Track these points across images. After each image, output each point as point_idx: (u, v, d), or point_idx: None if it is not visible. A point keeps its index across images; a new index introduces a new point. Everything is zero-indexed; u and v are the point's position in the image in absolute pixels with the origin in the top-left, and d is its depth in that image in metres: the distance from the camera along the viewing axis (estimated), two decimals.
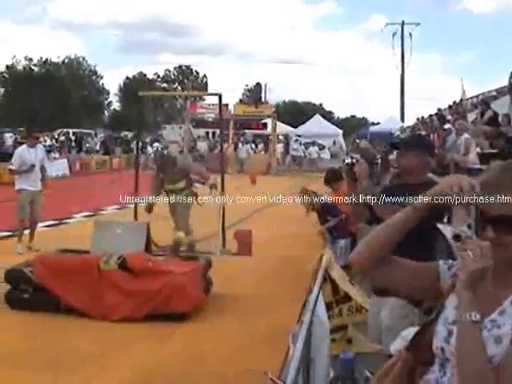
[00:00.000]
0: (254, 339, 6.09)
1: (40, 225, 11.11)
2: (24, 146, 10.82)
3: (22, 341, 5.97)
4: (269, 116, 36.02)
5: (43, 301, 6.72)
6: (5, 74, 58.90)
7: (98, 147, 38.61)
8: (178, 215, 9.40)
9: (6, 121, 47.46)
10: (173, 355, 5.68)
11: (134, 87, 54.63)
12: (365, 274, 2.17)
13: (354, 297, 5.32)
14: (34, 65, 59.38)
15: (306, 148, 37.85)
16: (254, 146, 37.74)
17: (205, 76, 68.84)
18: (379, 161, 7.55)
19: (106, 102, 64.89)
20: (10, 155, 12.03)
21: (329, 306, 4.93)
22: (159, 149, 13.75)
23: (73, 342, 5.92)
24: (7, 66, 58.58)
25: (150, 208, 9.35)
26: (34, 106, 51.06)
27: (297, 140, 38.42)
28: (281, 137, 39.16)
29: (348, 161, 6.37)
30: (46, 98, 52.38)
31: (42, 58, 59.78)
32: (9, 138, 30.05)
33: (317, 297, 3.83)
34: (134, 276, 6.72)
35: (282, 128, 40.47)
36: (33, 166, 10.31)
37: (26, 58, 59.01)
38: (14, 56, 59.87)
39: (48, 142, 32.74)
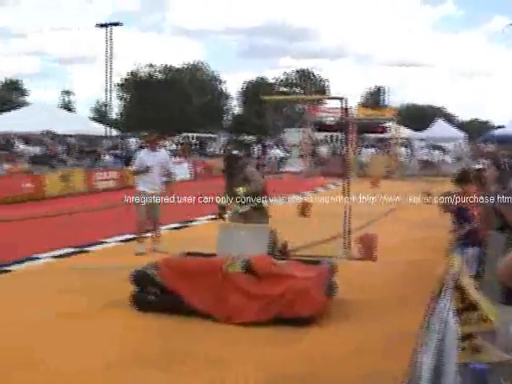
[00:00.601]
0: (379, 343, 6.04)
1: (166, 227, 11.54)
2: (145, 149, 11.23)
3: (149, 341, 6.13)
4: (390, 119, 35.54)
5: (169, 303, 6.84)
6: (129, 81, 61.00)
7: (219, 151, 39.48)
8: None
9: (130, 126, 49.40)
10: (297, 358, 5.66)
11: (254, 91, 55.45)
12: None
13: (481, 306, 5.22)
14: (156, 71, 61.23)
15: (430, 152, 37.15)
16: (375, 149, 37.40)
17: (324, 80, 68.72)
18: (506, 165, 7.31)
19: (227, 107, 66.04)
20: None
21: (457, 313, 4.87)
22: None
23: (197, 344, 6.02)
24: (131, 73, 60.73)
25: (222, 211, 8.97)
26: (156, 112, 52.67)
27: (421, 143, 37.71)
28: (402, 140, 38.54)
29: (476, 166, 6.24)
30: (168, 103, 53.88)
31: (163, 64, 61.62)
32: (133, 142, 31.19)
33: (447, 303, 3.80)
34: (258, 279, 6.76)
35: (403, 131, 39.81)
36: (149, 168, 10.56)
37: (148, 64, 60.99)
38: (137, 63, 62.11)
39: (171, 147, 33.84)
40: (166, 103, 53.15)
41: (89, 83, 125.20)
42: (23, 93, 75.67)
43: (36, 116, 33.12)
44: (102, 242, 11.50)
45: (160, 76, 60.60)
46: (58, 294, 7.80)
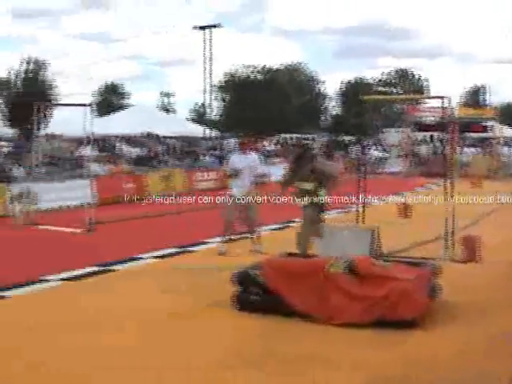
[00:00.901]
0: (483, 345, 5.92)
1: (267, 227, 11.68)
2: (237, 152, 11.53)
3: (250, 342, 6.19)
4: (491, 118, 34.53)
5: (270, 303, 6.86)
6: (228, 82, 61.73)
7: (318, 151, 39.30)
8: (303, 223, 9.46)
9: (229, 127, 50.00)
10: (401, 361, 5.59)
11: (353, 91, 54.95)
12: None
13: None
14: (255, 72, 61.67)
15: None
16: (476, 149, 36.38)
17: (423, 79, 67.27)
18: None
19: (325, 107, 65.73)
20: None
21: None
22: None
23: (298, 344, 6.03)
24: (229, 74, 61.41)
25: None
26: (255, 112, 53.06)
27: None
28: (505, 139, 37.31)
29: None
30: (266, 103, 54.15)
31: (261, 64, 61.98)
32: (231, 143, 31.56)
33: None
34: (360, 280, 6.71)
35: (506, 131, 38.54)
36: (238, 171, 10.68)
37: (245, 65, 61.50)
38: (236, 64, 62.74)
39: (269, 147, 34.07)
40: (264, 104, 53.44)
41: (188, 85, 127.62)
42: (124, 96, 78.10)
43: (136, 118, 34.12)
44: (204, 242, 11.71)
45: (259, 77, 61.01)
46: (162, 294, 7.98)
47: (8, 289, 8.14)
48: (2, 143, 26.50)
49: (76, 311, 7.19)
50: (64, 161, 22.14)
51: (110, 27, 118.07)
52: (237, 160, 11.00)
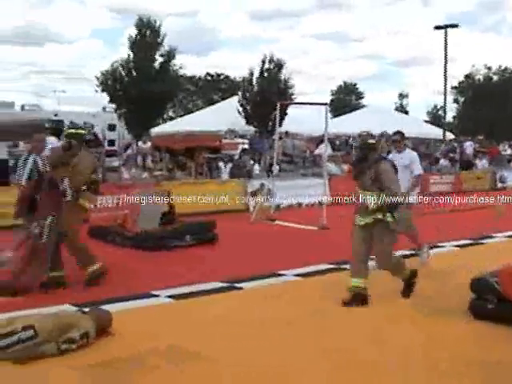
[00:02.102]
0: None
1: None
2: (393, 151, 10.32)
3: (481, 349, 5.92)
4: None
5: (507, 312, 6.53)
6: (464, 83, 59.51)
7: None
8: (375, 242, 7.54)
9: (464, 130, 48.04)
10: None
11: None
12: None
13: None
14: (492, 73, 58.79)
15: None
16: None
17: None
18: None
19: None
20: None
21: None
22: None
23: None
24: (466, 76, 59.14)
25: None
26: (493, 115, 50.61)
27: None
28: None
29: None
30: (504, 106, 51.45)
31: (500, 66, 58.92)
32: (469, 146, 30.19)
33: None
34: None
35: None
36: None
37: (485, 66, 58.82)
38: (474, 65, 60.23)
39: (505, 152, 32.07)
40: (503, 106, 50.77)
41: (424, 86, 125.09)
42: (359, 95, 78.42)
43: (371, 118, 33.89)
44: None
45: (495, 78, 58.12)
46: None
47: (242, 281, 8.38)
48: (241, 140, 27.67)
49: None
50: (300, 159, 22.54)
51: (347, 27, 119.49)
52: (393, 159, 10.03)
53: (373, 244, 7.45)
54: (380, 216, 7.30)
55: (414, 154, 10.46)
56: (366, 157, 7.53)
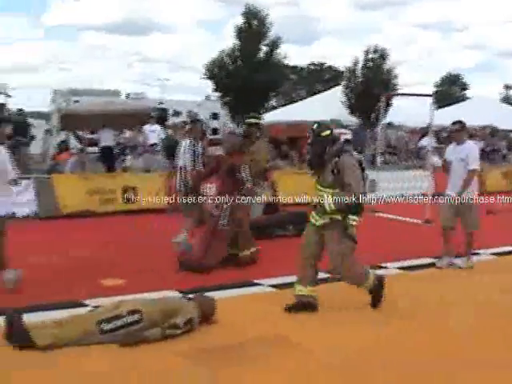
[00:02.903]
0: None
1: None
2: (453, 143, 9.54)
3: None
4: None
5: None
6: None
7: None
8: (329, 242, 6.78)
9: None
10: None
11: None
12: None
13: None
14: None
15: None
16: None
17: None
18: None
19: None
20: None
21: None
22: None
23: None
24: None
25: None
26: None
27: None
28: None
29: None
30: None
31: None
32: None
33: None
34: None
35: None
36: (448, 163, 9.24)
37: None
38: None
39: None
40: None
41: None
42: (464, 87, 76.06)
43: (476, 110, 32.86)
44: None
45: None
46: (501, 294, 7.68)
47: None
48: (344, 131, 27.53)
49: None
50: (403, 151, 22.27)
51: (452, 15, 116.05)
52: (449, 152, 9.44)
53: (325, 244, 6.73)
54: (339, 217, 6.56)
55: (474, 146, 9.47)
56: (324, 150, 6.62)
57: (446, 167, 9.36)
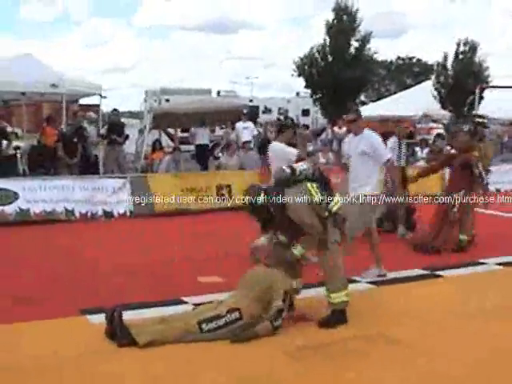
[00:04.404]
0: None
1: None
2: None
3: None
4: None
5: None
6: None
7: None
8: None
9: None
10: None
11: None
12: None
13: None
14: None
15: None
16: None
17: None
18: None
19: None
20: None
21: None
22: None
23: None
24: None
25: None
26: None
27: None
28: None
29: None
30: None
31: None
32: None
33: None
34: None
35: None
36: None
37: None
38: None
39: None
40: None
41: None
42: None
43: None
44: None
45: None
46: None
47: (442, 269, 8.48)
48: (435, 125, 27.37)
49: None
50: (497, 144, 21.97)
51: None
52: None
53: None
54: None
55: (375, 135, 7.95)
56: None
57: None
